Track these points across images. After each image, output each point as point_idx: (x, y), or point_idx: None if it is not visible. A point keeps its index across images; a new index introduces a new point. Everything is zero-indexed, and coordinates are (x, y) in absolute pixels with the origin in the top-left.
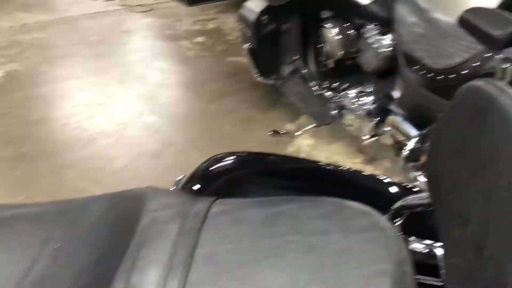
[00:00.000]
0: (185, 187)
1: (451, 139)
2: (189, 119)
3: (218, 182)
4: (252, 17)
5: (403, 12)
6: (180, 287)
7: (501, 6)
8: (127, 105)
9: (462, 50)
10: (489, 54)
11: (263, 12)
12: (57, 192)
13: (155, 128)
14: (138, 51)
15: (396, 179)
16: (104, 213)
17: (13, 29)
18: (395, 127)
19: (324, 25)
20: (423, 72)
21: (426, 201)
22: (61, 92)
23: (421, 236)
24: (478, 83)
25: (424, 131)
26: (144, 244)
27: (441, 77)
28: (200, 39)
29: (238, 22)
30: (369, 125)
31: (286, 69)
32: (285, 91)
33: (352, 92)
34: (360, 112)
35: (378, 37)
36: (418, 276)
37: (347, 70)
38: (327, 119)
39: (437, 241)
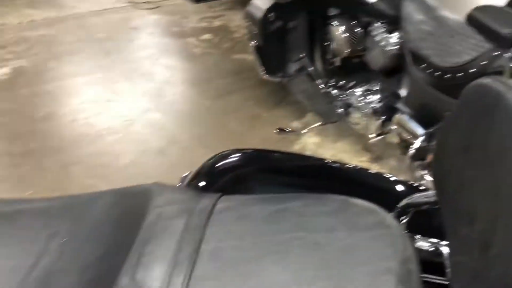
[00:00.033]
0: (191, 183)
1: (458, 137)
2: (194, 116)
3: (223, 179)
4: (258, 14)
5: (410, 10)
6: (185, 282)
7: (510, 4)
8: (133, 102)
9: (470, 48)
10: (497, 53)
11: (270, 10)
12: (64, 187)
13: (161, 124)
14: (145, 48)
15: (402, 178)
16: (110, 208)
17: (21, 26)
18: (402, 125)
19: (331, 23)
20: (430, 70)
21: (432, 199)
22: (68, 88)
23: (427, 235)
24: (486, 80)
25: (430, 130)
26: (150, 239)
27: (448, 75)
28: (206, 36)
29: (245, 19)
30: (375, 123)
31: (293, 67)
32: (291, 89)
33: (358, 90)
34: (366, 110)
35: (385, 35)
36: (423, 275)
37: (353, 68)
38: (333, 117)
39: (443, 239)
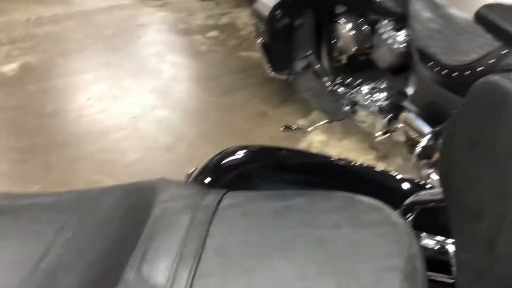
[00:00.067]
0: (196, 180)
1: (465, 134)
2: (201, 113)
3: (229, 175)
4: (265, 11)
5: (418, 8)
6: (190, 277)
7: None
8: (140, 99)
9: (478, 46)
10: (505, 51)
11: (276, 7)
12: (71, 183)
13: (167, 121)
14: (151, 45)
15: (408, 176)
16: (117, 203)
17: (29, 22)
18: (408, 124)
19: (338, 21)
20: (438, 68)
21: (438, 196)
22: (75, 85)
23: (432, 232)
24: (494, 77)
25: (437, 128)
26: (155, 234)
27: (456, 74)
28: (213, 33)
29: (252, 16)
30: (382, 121)
31: (299, 64)
32: (298, 86)
33: (365, 88)
34: (373, 108)
35: (392, 33)
36: (429, 273)
37: (360, 66)
38: (340, 115)
39: (448, 237)
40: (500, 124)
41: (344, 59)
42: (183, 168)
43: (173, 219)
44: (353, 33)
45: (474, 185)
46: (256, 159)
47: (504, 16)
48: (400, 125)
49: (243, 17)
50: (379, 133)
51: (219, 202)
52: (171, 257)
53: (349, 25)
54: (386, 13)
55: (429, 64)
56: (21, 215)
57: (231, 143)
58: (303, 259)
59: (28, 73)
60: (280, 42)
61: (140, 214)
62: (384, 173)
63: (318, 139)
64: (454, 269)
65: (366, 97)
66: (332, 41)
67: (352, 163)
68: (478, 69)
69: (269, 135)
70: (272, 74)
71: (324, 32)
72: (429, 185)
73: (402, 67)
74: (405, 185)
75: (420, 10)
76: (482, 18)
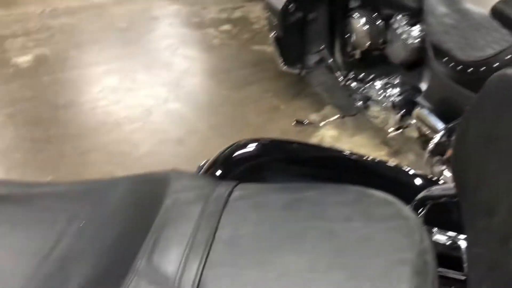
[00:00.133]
0: (208, 172)
1: (479, 127)
2: (213, 106)
3: (240, 168)
4: (278, 5)
5: (433, 2)
6: (200, 267)
7: None
8: (152, 91)
9: (494, 42)
10: None
11: (290, 1)
12: (83, 174)
13: (179, 114)
14: (164, 38)
15: (420, 171)
16: (129, 193)
17: (43, 14)
18: (421, 120)
19: (352, 15)
20: (453, 64)
21: (450, 192)
22: (89, 76)
23: (444, 228)
24: (510, 71)
25: (451, 125)
26: (166, 224)
27: (471, 69)
28: (226, 27)
29: (265, 10)
30: (394, 117)
31: (312, 59)
32: (310, 81)
33: (378, 84)
34: (386, 104)
35: (406, 27)
36: (440, 269)
37: (374, 61)
38: (352, 110)
39: (460, 232)
40: None
41: (357, 54)
42: (194, 161)
43: (185, 210)
44: (367, 28)
45: (488, 180)
46: (267, 152)
47: None
48: (413, 121)
49: (256, 11)
50: (392, 129)
51: (230, 193)
52: (181, 247)
53: (363, 20)
54: (400, 8)
55: (443, 60)
56: (34, 204)
57: (243, 137)
58: (313, 251)
59: (43, 65)
60: (293, 36)
61: (151, 204)
62: (396, 168)
63: (330, 134)
64: (465, 265)
65: (379, 93)
66: (346, 36)
67: (364, 157)
68: (494, 65)
69: (281, 129)
70: (285, 68)
71: (337, 26)
72: (441, 181)
73: (416, 62)
74: (417, 180)
75: (435, 5)
76: (498, 13)
